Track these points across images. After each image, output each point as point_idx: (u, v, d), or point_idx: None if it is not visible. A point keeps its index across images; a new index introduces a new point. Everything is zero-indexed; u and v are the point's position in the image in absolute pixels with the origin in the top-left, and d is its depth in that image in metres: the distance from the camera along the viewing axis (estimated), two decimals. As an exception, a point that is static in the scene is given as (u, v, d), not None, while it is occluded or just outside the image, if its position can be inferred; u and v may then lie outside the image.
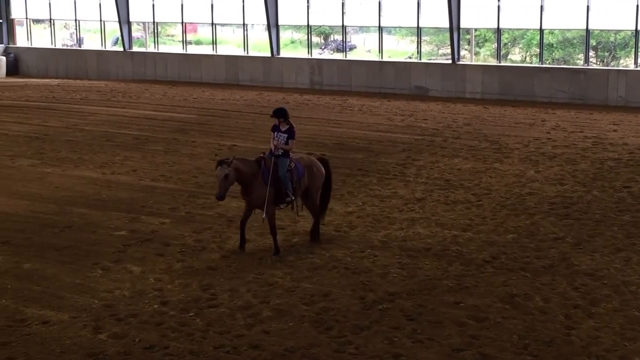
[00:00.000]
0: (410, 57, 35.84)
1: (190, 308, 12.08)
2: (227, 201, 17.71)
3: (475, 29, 35.61)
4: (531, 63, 34.69)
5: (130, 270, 13.70)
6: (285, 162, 14.58)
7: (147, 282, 13.16)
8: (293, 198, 14.74)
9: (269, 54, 38.02)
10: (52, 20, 44.02)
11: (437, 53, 36.62)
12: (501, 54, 34.19)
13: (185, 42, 40.69)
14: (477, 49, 36.30)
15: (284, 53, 38.13)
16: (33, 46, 44.64)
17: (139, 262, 14.09)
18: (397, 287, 12.83)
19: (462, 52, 34.85)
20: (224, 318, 11.72)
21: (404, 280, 13.14)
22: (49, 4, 43.73)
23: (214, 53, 39.68)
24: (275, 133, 14.76)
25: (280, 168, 14.51)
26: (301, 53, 37.93)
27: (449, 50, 34.61)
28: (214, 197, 14.73)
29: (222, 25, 39.71)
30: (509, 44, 36.10)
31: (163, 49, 41.31)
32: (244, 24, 38.79)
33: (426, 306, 12.06)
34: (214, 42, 39.85)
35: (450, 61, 34.37)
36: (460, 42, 34.50)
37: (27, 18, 44.87)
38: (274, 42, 37.69)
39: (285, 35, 38.56)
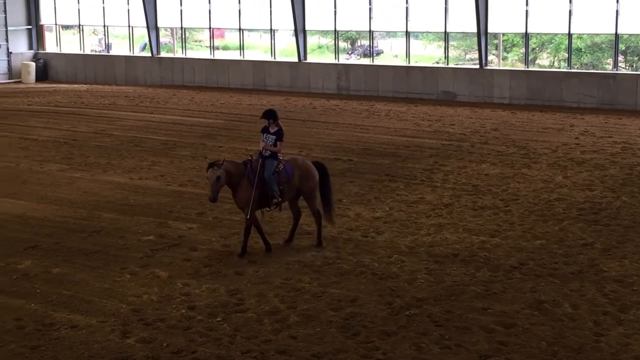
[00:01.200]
0: (437, 62, 35.74)
1: (217, 313, 12.11)
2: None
3: (503, 34, 35.45)
4: (559, 68, 34.49)
5: (157, 275, 13.76)
6: (272, 164, 14.67)
7: (174, 287, 13.20)
8: (280, 200, 14.79)
9: (296, 59, 38.06)
10: (80, 26, 44.32)
11: (464, 58, 36.49)
12: (529, 58, 34.01)
13: (212, 48, 40.81)
14: (505, 54, 36.14)
15: (311, 58, 38.16)
16: (62, 52, 44.95)
17: (166, 267, 14.14)
18: (425, 293, 12.79)
19: (490, 57, 34.70)
20: (251, 323, 11.74)
21: (432, 286, 13.10)
22: (78, 10, 44.02)
23: (242, 58, 39.77)
24: (264, 135, 14.90)
25: (267, 170, 14.60)
26: (328, 58, 37.93)
27: (476, 55, 34.49)
28: (207, 199, 14.75)
29: (250, 30, 39.79)
30: (537, 48, 35.91)
31: (191, 54, 41.46)
32: (271, 30, 38.86)
33: (454, 312, 12.02)
34: (241, 48, 39.96)
35: (477, 66, 34.24)
36: (488, 46, 34.37)
37: (56, 24, 45.20)
38: (301, 48, 37.74)
39: (312, 41, 38.58)
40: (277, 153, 14.86)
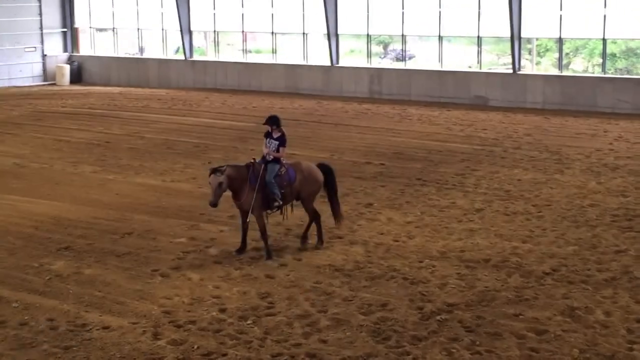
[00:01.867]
0: (470, 67, 35.62)
1: (248, 316, 12.14)
2: (286, 209, 17.79)
3: (537, 39, 35.25)
4: (593, 73, 34.24)
5: (189, 277, 13.81)
6: (274, 168, 14.81)
7: (205, 290, 13.25)
8: (281, 203, 14.92)
9: (328, 63, 38.07)
10: (115, 29, 44.62)
11: (497, 62, 36.32)
12: (563, 63, 33.79)
13: (245, 51, 40.94)
14: (538, 59, 35.92)
15: (344, 62, 38.16)
16: (96, 54, 45.29)
17: (197, 270, 14.19)
18: (456, 298, 12.74)
19: (523, 62, 34.52)
20: (281, 326, 11.75)
21: (463, 291, 13.04)
22: (112, 13, 44.35)
23: (274, 62, 39.86)
24: (267, 140, 15.07)
25: (268, 173, 14.74)
26: (360, 62, 37.91)
27: (509, 60, 34.33)
28: (208, 204, 14.91)
29: (282, 34, 39.87)
30: (571, 53, 35.66)
31: (223, 57, 41.61)
32: (303, 33, 38.92)
33: (485, 318, 11.96)
34: (273, 51, 40.04)
35: (510, 71, 34.07)
36: (521, 51, 34.19)
37: (90, 27, 45.55)
38: (334, 51, 37.75)
39: (344, 44, 38.56)
40: (279, 158, 14.99)
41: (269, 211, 15.06)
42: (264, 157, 14.99)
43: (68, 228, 16.80)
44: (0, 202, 18.97)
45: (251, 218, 14.73)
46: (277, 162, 14.96)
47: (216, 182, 14.36)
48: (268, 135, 15.15)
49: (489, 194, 19.25)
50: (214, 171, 14.49)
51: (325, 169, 15.51)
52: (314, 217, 15.47)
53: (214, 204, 14.51)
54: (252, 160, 14.99)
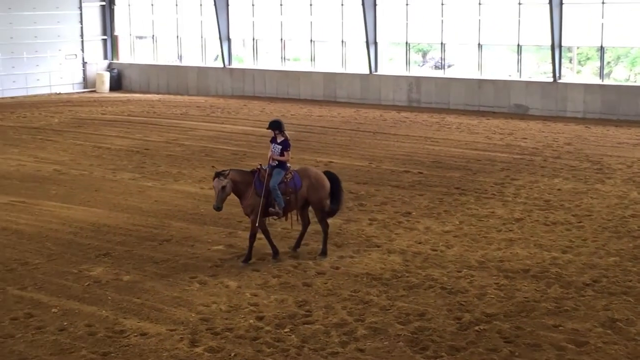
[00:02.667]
0: (510, 75, 35.40)
1: (285, 324, 12.11)
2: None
3: (578, 47, 34.99)
4: (635, 82, 33.88)
5: (226, 285, 13.83)
6: (279, 174, 14.88)
7: (243, 297, 13.25)
8: (281, 213, 14.97)
9: (367, 71, 38.05)
10: (154, 37, 44.94)
11: (537, 71, 36.07)
12: (604, 72, 33.48)
13: (283, 59, 41.03)
14: (579, 67, 35.64)
15: (382, 70, 38.11)
16: (136, 62, 45.63)
17: (235, 277, 14.21)
18: (495, 309, 12.63)
19: (564, 70, 34.25)
20: (318, 335, 11.71)
21: (502, 302, 12.93)
22: (152, 21, 44.68)
23: (312, 69, 39.90)
24: (272, 145, 15.19)
25: (273, 179, 14.79)
26: (399, 70, 37.83)
27: (549, 68, 34.07)
28: (212, 208, 15.01)
29: (321, 41, 39.91)
30: (613, 62, 35.33)
31: (262, 65, 41.74)
32: (342, 41, 38.93)
33: (524, 329, 11.84)
34: (312, 59, 40.10)
35: (551, 79, 33.83)
36: (562, 60, 33.93)
37: (130, 35, 45.91)
38: (372, 59, 37.72)
39: (383, 52, 38.51)
40: (285, 163, 15.09)
41: (273, 218, 15.21)
42: (270, 163, 15.10)
43: (107, 235, 16.90)
44: (40, 209, 19.14)
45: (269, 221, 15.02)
46: (283, 168, 15.05)
47: (220, 186, 14.55)
48: (273, 140, 15.27)
49: (529, 204, 19.09)
50: (218, 175, 14.67)
51: (332, 177, 15.53)
52: (325, 225, 15.43)
53: (218, 208, 14.68)
54: (259, 166, 15.11)
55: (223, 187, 14.55)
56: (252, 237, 14.98)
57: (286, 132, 15.35)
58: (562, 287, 13.54)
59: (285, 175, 14.96)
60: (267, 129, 15.46)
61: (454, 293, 13.32)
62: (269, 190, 14.76)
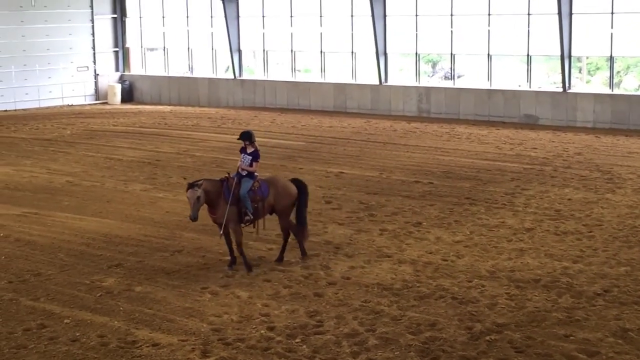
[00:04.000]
0: (519, 85, 35.42)
1: (296, 334, 12.15)
2: (334, 228, 17.87)
3: (587, 57, 35.00)
4: (645, 91, 33.86)
5: (238, 295, 13.87)
6: (248, 183, 15.25)
7: (254, 307, 13.30)
8: (252, 217, 15.28)
9: (377, 82, 38.12)
10: (165, 49, 45.13)
11: (547, 81, 36.08)
12: (614, 82, 33.47)
13: (294, 70, 41.14)
14: (589, 77, 35.63)
15: (392, 81, 38.17)
16: (147, 74, 45.82)
17: (246, 287, 14.26)
18: (505, 318, 12.64)
19: (573, 80, 34.26)
20: (330, 345, 11.75)
21: (513, 312, 12.94)
22: (163, 33, 44.88)
23: (323, 80, 40.00)
24: (242, 155, 15.55)
25: (242, 188, 15.15)
26: (409, 81, 37.88)
27: (559, 78, 34.08)
28: (188, 218, 15.22)
29: (331, 53, 40.00)
30: (622, 71, 35.31)
31: (272, 76, 41.84)
32: (352, 52, 39.03)
33: (535, 338, 11.85)
34: (322, 70, 40.20)
35: (561, 89, 33.83)
36: (572, 70, 33.94)
37: (141, 46, 46.12)
38: (382, 70, 37.80)
39: (393, 63, 38.58)
40: (254, 172, 15.44)
41: (242, 225, 15.44)
42: (238, 172, 15.44)
43: (119, 246, 16.98)
44: (52, 220, 19.24)
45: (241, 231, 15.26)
46: (251, 177, 15.40)
47: (195, 196, 14.81)
48: (243, 150, 15.64)
49: (539, 214, 19.10)
50: (192, 186, 14.94)
51: (299, 184, 15.88)
52: (288, 235, 15.82)
53: (195, 218, 14.88)
54: (227, 175, 15.45)
55: (198, 198, 14.85)
56: (240, 245, 15.27)
57: (256, 143, 15.74)
58: (573, 297, 13.54)
59: (253, 184, 15.36)
60: (238, 139, 15.89)
61: (464, 303, 13.34)
62: (238, 198, 15.12)
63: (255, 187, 15.32)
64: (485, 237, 17.21)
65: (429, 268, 15.18)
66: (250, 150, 15.56)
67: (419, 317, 12.76)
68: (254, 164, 15.44)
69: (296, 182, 15.97)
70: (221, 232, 15.18)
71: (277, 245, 16.70)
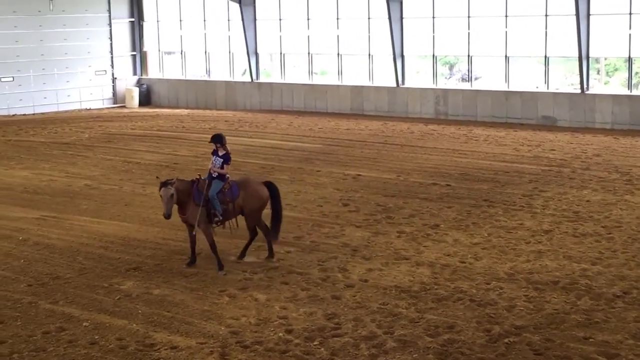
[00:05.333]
0: (537, 87, 35.30)
1: (314, 337, 12.15)
2: (352, 230, 17.87)
3: (605, 58, 34.85)
4: (664, 92, 33.68)
5: (255, 298, 13.89)
6: (218, 185, 15.57)
7: (272, 310, 13.31)
8: (221, 218, 15.61)
9: (394, 84, 38.09)
10: (182, 52, 45.26)
11: (565, 82, 35.95)
12: (632, 83, 33.31)
13: (311, 73, 41.17)
14: (607, 78, 35.48)
15: (409, 83, 38.13)
16: (164, 77, 45.94)
17: (264, 290, 14.27)
18: (524, 321, 12.61)
19: (591, 82, 34.12)
20: (348, 348, 11.74)
21: (531, 314, 12.90)
22: (180, 36, 45.00)
23: (340, 83, 40.00)
24: (214, 157, 15.86)
25: (212, 189, 15.48)
26: (426, 83, 37.83)
27: (577, 80, 33.95)
28: (162, 215, 15.51)
29: (348, 55, 40.00)
30: (641, 72, 35.14)
31: (289, 79, 41.89)
32: (369, 54, 39.02)
33: (554, 341, 11.81)
34: (339, 72, 40.21)
35: (579, 90, 33.71)
36: (590, 71, 33.81)
37: (159, 50, 46.26)
38: (399, 72, 37.77)
39: (410, 65, 38.55)
40: (225, 175, 15.74)
41: (213, 225, 15.71)
42: (210, 174, 15.74)
43: (137, 249, 17.03)
44: (71, 223, 19.32)
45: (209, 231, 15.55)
46: (222, 179, 15.69)
47: (168, 195, 15.14)
48: (215, 153, 15.94)
49: (557, 215, 19.04)
50: (164, 184, 15.25)
51: (271, 187, 16.21)
52: (255, 235, 16.12)
53: (169, 216, 15.20)
54: (198, 176, 15.74)
55: (171, 195, 15.18)
56: (212, 245, 15.52)
57: (227, 146, 16.06)
58: (592, 299, 13.48)
59: (223, 186, 15.63)
60: (209, 142, 16.23)
61: (483, 305, 13.31)
62: (208, 199, 15.40)
63: (225, 189, 15.65)
64: (504, 239, 17.16)
65: (447, 270, 15.15)
66: (221, 152, 15.90)
67: (437, 319, 12.74)
68: (224, 166, 15.76)
69: (268, 184, 16.29)
70: (194, 233, 15.51)
71: (295, 248, 16.75)
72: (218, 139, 16.06)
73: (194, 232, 15.55)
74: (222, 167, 15.75)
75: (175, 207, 15.45)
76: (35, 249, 17.23)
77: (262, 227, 16.18)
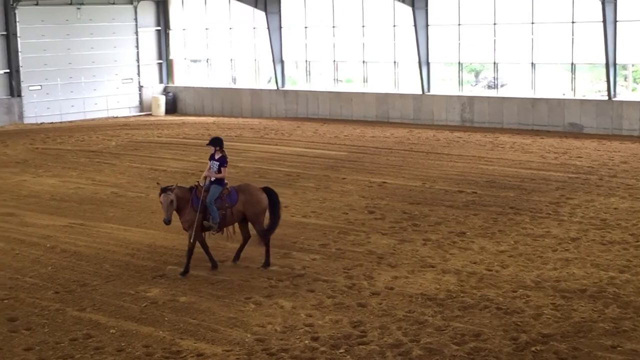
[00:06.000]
0: (564, 94, 35.13)
1: (340, 344, 12.14)
2: (378, 238, 17.85)
3: (633, 65, 34.63)
4: (692, 99, 33.41)
5: (281, 305, 13.90)
6: (216, 190, 15.67)
7: (298, 318, 13.31)
8: (216, 227, 15.72)
9: (419, 91, 38.04)
10: (208, 60, 45.44)
11: (592, 89, 35.75)
12: (660, 89, 33.09)
13: (336, 80, 41.19)
14: (634, 85, 35.25)
15: (435, 90, 38.07)
16: (190, 85, 46.12)
17: (290, 298, 14.28)
18: (551, 329, 12.54)
19: (619, 88, 33.91)
20: (374, 355, 11.72)
21: (558, 322, 12.83)
22: (206, 44, 45.18)
23: (365, 90, 40.01)
24: (210, 162, 15.92)
25: (210, 195, 15.57)
26: (452, 90, 37.76)
27: (604, 86, 33.76)
28: (163, 221, 15.78)
29: (373, 62, 39.99)
30: (669, 79, 34.91)
31: (315, 86, 41.93)
32: (394, 62, 38.99)
33: (582, 349, 11.74)
34: (364, 80, 40.21)
35: (606, 97, 33.51)
36: (617, 78, 33.60)
37: (185, 58, 46.46)
38: (425, 79, 37.71)
39: (435, 73, 38.48)
40: (223, 179, 15.82)
41: (211, 233, 15.90)
42: (210, 180, 15.88)
43: (163, 256, 17.09)
44: (97, 231, 19.43)
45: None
46: (220, 185, 15.78)
47: (168, 201, 15.38)
48: (211, 157, 16.01)
49: (585, 223, 18.92)
50: (164, 190, 15.47)
51: (269, 192, 16.25)
52: (248, 239, 16.29)
53: (169, 221, 15.46)
54: (197, 183, 15.89)
55: (171, 202, 15.43)
56: (190, 252, 15.73)
57: (224, 150, 16.10)
58: (620, 307, 13.39)
59: (222, 192, 15.71)
60: (207, 145, 16.28)
61: (509, 313, 13.25)
62: (205, 206, 15.52)
63: (224, 195, 15.75)
64: (530, 247, 17.08)
65: (473, 278, 15.10)
66: (218, 156, 15.97)
67: (463, 327, 12.70)
68: (222, 169, 15.84)
69: (267, 190, 16.36)
70: (191, 239, 15.61)
71: (321, 256, 16.75)
72: (218, 142, 16.12)
73: (192, 240, 15.66)
74: (219, 171, 15.85)
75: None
76: (62, 256, 17.34)
77: (246, 234, 16.37)
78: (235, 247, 16.55)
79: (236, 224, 16.30)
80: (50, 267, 16.52)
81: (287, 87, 42.66)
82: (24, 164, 29.25)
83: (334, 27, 40.58)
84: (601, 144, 30.49)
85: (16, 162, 29.69)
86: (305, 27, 41.45)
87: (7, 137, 36.06)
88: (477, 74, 39.24)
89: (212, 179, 15.81)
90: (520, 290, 14.37)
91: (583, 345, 11.87)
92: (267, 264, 16.06)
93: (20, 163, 29.41)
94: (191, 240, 15.65)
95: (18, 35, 41.01)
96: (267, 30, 41.62)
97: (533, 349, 11.80)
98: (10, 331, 13.06)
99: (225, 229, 16.11)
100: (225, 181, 15.97)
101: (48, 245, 18.15)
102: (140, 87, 45.62)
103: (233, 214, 15.88)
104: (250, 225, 16.30)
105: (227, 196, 15.79)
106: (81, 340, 12.62)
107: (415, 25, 37.04)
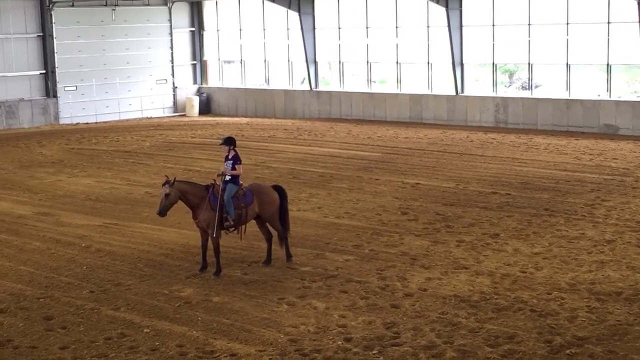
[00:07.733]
0: (599, 95, 34.85)
1: (373, 346, 12.13)
2: (411, 239, 17.82)
3: (669, 65, 34.31)
4: None
5: (314, 306, 13.91)
6: (232, 189, 15.76)
7: (331, 318, 13.32)
8: (232, 223, 15.80)
9: (453, 93, 37.91)
10: (242, 61, 45.58)
11: (627, 90, 35.44)
12: (697, 90, 32.73)
13: (370, 81, 41.16)
14: (671, 86, 34.90)
15: (469, 91, 37.92)
16: (224, 86, 46.30)
17: (323, 298, 14.28)
18: (586, 332, 12.44)
19: (655, 89, 33.60)
20: (407, 357, 11.70)
21: (593, 325, 12.73)
22: (240, 45, 45.33)
23: (398, 91, 39.93)
24: (225, 162, 16.06)
25: (226, 194, 15.68)
26: (486, 91, 37.58)
27: (640, 87, 33.48)
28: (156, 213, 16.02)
29: (407, 63, 39.91)
30: None
31: (348, 87, 41.93)
32: (428, 63, 38.89)
33: (617, 352, 11.64)
34: (398, 81, 40.14)
35: (642, 98, 33.22)
36: (653, 78, 33.30)
37: (219, 59, 46.64)
38: (459, 80, 37.58)
39: (469, 73, 38.34)
40: (238, 178, 15.92)
41: (226, 231, 15.95)
42: (225, 179, 15.96)
43: (197, 256, 17.12)
44: (132, 231, 19.55)
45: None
46: (236, 183, 15.87)
47: (163, 194, 15.51)
48: (226, 158, 16.14)
49: (620, 225, 18.76)
50: (165, 183, 15.57)
51: (279, 190, 16.45)
52: (270, 236, 16.47)
53: (160, 213, 15.68)
54: (213, 181, 15.98)
55: (167, 195, 15.49)
56: (217, 250, 15.81)
57: (236, 149, 16.26)
58: (656, 311, 13.28)
59: (237, 191, 15.81)
60: (221, 144, 16.43)
61: (544, 316, 13.17)
62: (222, 204, 15.59)
63: (239, 194, 15.86)
64: (565, 249, 16.96)
65: (507, 280, 15.02)
66: (231, 155, 16.08)
67: (497, 329, 12.64)
68: (237, 166, 15.95)
69: (277, 188, 16.54)
70: (212, 235, 15.67)
71: (354, 257, 16.75)
72: (231, 142, 16.26)
73: (231, 231, 15.91)
74: (233, 169, 15.94)
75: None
76: (97, 255, 17.47)
77: (265, 231, 16.52)
78: (261, 246, 16.63)
79: (249, 226, 16.50)
80: (85, 267, 16.65)
81: (321, 87, 42.69)
82: (60, 164, 29.52)
83: (367, 28, 40.56)
84: (637, 145, 30.21)
85: (52, 162, 29.97)
86: (339, 28, 41.46)
87: (43, 137, 36.41)
88: (511, 75, 39.03)
89: (227, 177, 15.90)
90: (555, 292, 14.28)
91: (618, 349, 11.77)
92: (289, 255, 16.38)
93: (56, 163, 29.69)
94: (214, 236, 15.70)
95: (54, 36, 41.43)
96: (300, 31, 41.68)
97: (568, 351, 11.72)
98: (46, 330, 13.18)
99: (239, 228, 16.22)
100: (241, 182, 16.08)
101: (83, 245, 18.29)
102: (175, 88, 45.88)
103: (248, 214, 16.03)
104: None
105: (242, 196, 15.92)
106: (115, 339, 12.71)
107: (449, 26, 36.92)
